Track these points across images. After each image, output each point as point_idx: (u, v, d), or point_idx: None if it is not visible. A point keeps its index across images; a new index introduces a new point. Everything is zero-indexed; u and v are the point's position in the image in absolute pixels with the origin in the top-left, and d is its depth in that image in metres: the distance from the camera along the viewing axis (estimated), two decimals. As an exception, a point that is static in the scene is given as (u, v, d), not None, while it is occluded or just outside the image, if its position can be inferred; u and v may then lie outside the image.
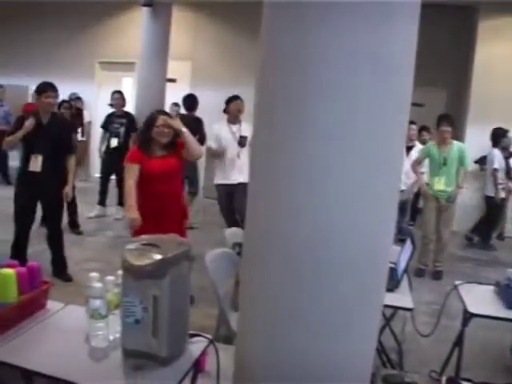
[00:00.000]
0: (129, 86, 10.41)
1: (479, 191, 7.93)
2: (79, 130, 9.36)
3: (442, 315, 3.52)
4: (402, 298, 3.12)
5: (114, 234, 6.74)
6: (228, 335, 3.11)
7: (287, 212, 1.89)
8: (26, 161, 4.62)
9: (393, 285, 3.10)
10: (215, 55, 9.99)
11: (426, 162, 6.17)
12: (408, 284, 3.37)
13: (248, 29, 7.91)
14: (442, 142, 5.90)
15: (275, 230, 1.93)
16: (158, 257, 1.93)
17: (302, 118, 1.82)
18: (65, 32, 10.61)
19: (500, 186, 7.07)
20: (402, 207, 6.13)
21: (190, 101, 7.29)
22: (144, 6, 7.62)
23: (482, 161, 7.86)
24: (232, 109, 5.78)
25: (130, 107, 8.47)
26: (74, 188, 5.35)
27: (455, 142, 5.96)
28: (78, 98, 9.53)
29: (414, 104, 2.04)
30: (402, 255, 3.36)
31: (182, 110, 7.54)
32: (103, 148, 7.61)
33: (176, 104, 8.64)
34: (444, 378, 2.49)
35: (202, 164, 7.67)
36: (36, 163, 4.54)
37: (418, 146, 6.98)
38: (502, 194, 7.17)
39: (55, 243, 4.93)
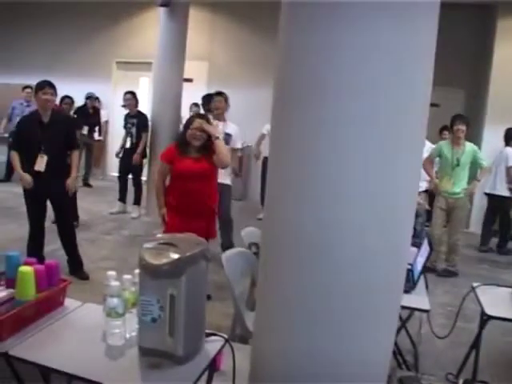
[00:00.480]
0: (145, 86, 10.48)
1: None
2: (96, 129, 9.46)
3: (458, 317, 3.50)
4: (418, 299, 3.09)
5: (129, 233, 6.77)
6: (244, 335, 3.11)
7: (305, 213, 1.89)
8: (30, 160, 4.62)
9: (409, 286, 3.08)
10: (232, 55, 10.00)
11: (436, 160, 6.14)
12: (424, 286, 3.35)
13: (265, 29, 7.91)
14: (455, 140, 5.85)
15: (292, 230, 1.94)
16: (176, 256, 1.93)
17: (325, 116, 1.82)
18: (83, 32, 10.72)
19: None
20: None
21: (208, 101, 7.28)
22: (161, 6, 7.62)
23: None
24: (217, 106, 5.72)
25: (146, 107, 8.53)
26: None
27: (468, 144, 5.90)
28: (96, 98, 9.62)
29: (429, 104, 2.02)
30: (419, 257, 3.34)
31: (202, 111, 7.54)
32: (120, 148, 7.77)
33: (196, 104, 8.70)
34: (461, 381, 2.47)
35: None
36: (41, 163, 4.59)
37: (428, 145, 6.90)
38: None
39: (68, 242, 4.97)
